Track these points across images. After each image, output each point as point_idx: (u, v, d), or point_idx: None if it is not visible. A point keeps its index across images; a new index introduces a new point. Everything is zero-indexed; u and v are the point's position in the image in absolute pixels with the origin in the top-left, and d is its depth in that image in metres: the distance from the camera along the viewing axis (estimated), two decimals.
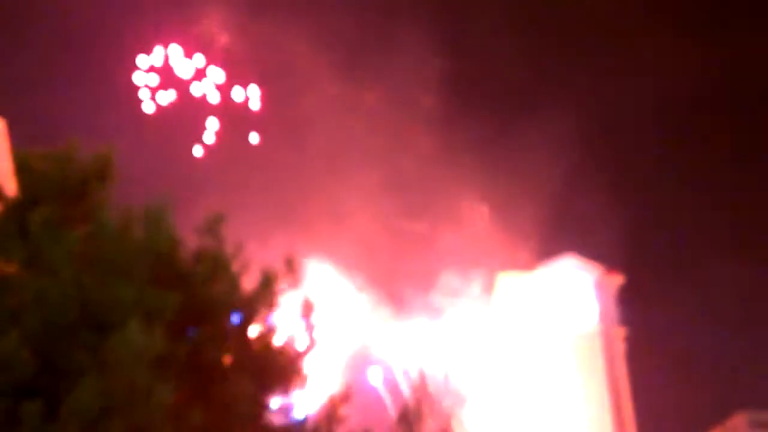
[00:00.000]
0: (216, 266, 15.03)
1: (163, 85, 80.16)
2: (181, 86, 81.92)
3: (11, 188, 14.86)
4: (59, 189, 14.47)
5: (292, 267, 15.86)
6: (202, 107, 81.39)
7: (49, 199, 14.21)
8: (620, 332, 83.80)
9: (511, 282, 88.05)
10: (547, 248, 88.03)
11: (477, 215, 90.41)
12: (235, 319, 14.79)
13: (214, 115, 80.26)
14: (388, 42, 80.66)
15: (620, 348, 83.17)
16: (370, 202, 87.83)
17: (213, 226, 15.51)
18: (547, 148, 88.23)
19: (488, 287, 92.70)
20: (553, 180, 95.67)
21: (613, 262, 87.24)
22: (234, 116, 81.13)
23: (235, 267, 15.35)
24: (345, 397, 15.99)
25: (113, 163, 15.17)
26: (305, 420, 15.57)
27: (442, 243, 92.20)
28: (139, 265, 14.04)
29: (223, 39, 79.77)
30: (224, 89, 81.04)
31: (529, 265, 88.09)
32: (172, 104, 79.87)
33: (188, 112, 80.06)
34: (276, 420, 15.43)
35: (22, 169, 14.74)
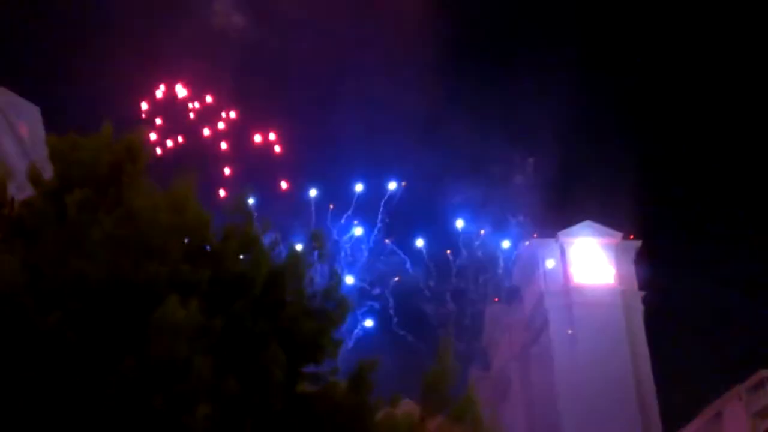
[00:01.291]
0: (245, 242, 15.53)
1: (171, 127, 77.96)
2: (191, 128, 79.54)
3: (47, 174, 15.46)
4: (93, 174, 14.97)
5: (319, 241, 16.36)
6: (214, 151, 79.03)
7: (84, 184, 14.73)
8: (639, 295, 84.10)
9: (532, 249, 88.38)
10: (566, 214, 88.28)
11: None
12: None
13: (230, 159, 78.12)
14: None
15: (640, 311, 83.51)
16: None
17: (241, 204, 16.07)
18: (562, 113, 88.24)
19: (509, 253, 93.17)
20: (570, 144, 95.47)
21: (632, 226, 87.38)
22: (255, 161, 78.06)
23: (264, 242, 15.85)
24: (373, 364, 16.43)
25: (143, 147, 15.69)
26: (337, 387, 16.05)
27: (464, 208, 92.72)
28: (170, 245, 14.56)
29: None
30: (238, 131, 78.48)
31: (548, 231, 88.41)
32: (179, 147, 77.63)
33: (199, 157, 77.40)
34: (309, 388, 15.95)
35: (56, 155, 15.30)
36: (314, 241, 16.22)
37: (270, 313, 15.09)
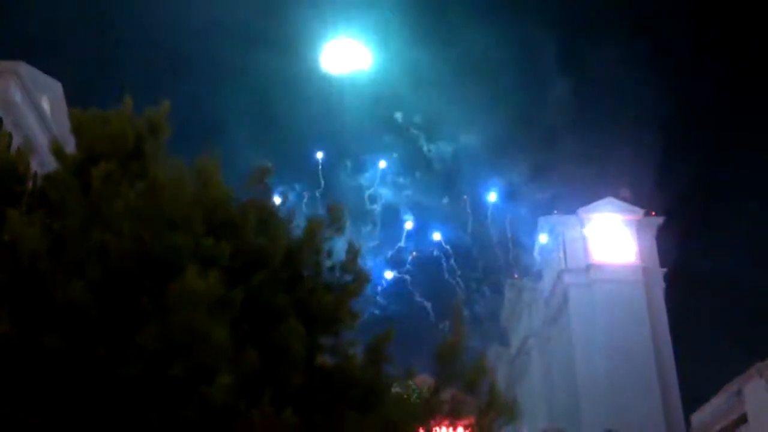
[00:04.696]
0: (264, 216, 15.67)
1: None
2: None
3: (71, 148, 15.66)
4: (116, 147, 15.12)
5: (335, 215, 16.48)
6: None
7: (107, 157, 14.89)
8: (661, 272, 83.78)
9: (552, 225, 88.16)
10: (588, 190, 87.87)
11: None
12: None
13: None
14: None
15: (661, 288, 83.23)
16: None
17: (261, 178, 16.20)
18: (588, 90, 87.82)
19: (530, 230, 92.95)
20: (592, 122, 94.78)
21: (654, 202, 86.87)
22: None
23: (282, 215, 16.00)
24: (387, 336, 16.61)
25: (166, 119, 15.83)
26: (354, 360, 16.24)
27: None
28: (193, 217, 14.71)
29: None
30: None
31: (569, 208, 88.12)
32: None
33: None
34: (327, 360, 16.15)
35: (80, 129, 15.48)
36: (332, 214, 16.34)
37: (288, 286, 15.25)
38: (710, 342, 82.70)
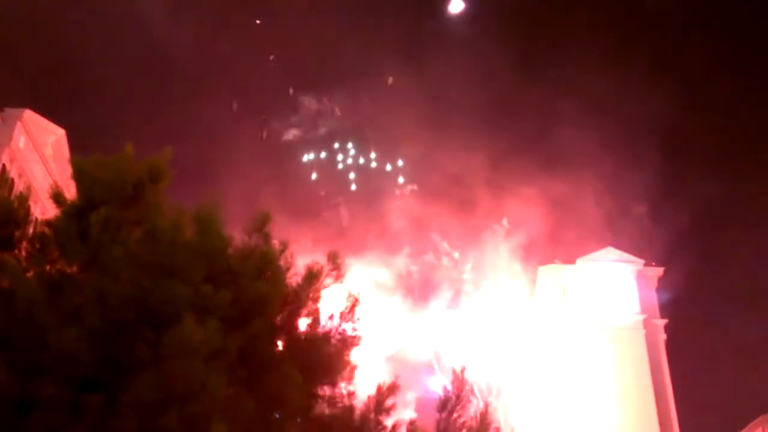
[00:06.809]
0: (263, 263, 15.59)
1: None
2: None
3: (71, 194, 15.67)
4: (115, 194, 15.12)
5: (335, 262, 16.41)
6: None
7: (106, 204, 14.88)
8: (662, 323, 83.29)
9: (553, 274, 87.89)
10: (587, 240, 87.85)
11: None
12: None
13: None
14: None
15: (662, 339, 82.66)
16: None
17: (260, 226, 16.16)
18: (589, 141, 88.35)
19: (530, 279, 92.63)
20: (593, 173, 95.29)
21: (654, 254, 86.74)
22: None
23: (281, 263, 15.92)
24: (391, 388, 16.45)
25: (166, 167, 15.86)
26: (353, 410, 16.05)
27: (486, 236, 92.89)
28: (192, 265, 14.63)
29: None
30: None
31: (569, 258, 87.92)
32: None
33: None
34: (324, 410, 15.95)
35: (80, 175, 15.49)
36: (331, 261, 16.29)
37: (286, 335, 15.15)
38: (712, 394, 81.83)
